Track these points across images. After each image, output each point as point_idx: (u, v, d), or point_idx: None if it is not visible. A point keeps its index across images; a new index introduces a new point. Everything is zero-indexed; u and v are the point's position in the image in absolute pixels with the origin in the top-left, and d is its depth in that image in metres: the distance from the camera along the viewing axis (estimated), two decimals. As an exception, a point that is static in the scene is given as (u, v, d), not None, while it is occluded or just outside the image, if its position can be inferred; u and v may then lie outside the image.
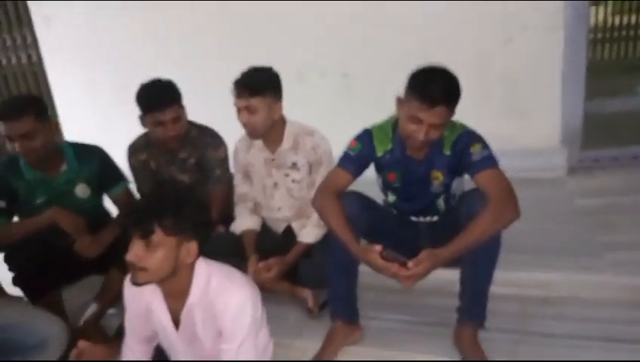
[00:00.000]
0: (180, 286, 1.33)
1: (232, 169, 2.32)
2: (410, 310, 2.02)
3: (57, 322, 1.85)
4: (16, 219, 2.10)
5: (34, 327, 1.77)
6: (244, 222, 2.18)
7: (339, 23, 3.24)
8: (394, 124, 1.78)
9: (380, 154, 1.81)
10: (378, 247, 1.59)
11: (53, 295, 2.05)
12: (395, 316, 2.00)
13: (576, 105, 2.95)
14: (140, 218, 1.24)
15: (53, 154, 2.04)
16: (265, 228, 2.24)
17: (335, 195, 1.75)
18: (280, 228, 2.23)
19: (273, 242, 2.19)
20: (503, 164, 1.67)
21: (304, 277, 2.04)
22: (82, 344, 1.54)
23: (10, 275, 2.00)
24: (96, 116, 4.30)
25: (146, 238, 1.22)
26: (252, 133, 2.02)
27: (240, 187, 2.23)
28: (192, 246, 1.29)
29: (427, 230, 1.92)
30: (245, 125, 1.99)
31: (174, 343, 1.43)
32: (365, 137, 1.81)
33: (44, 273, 1.98)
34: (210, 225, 1.34)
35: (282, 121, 2.08)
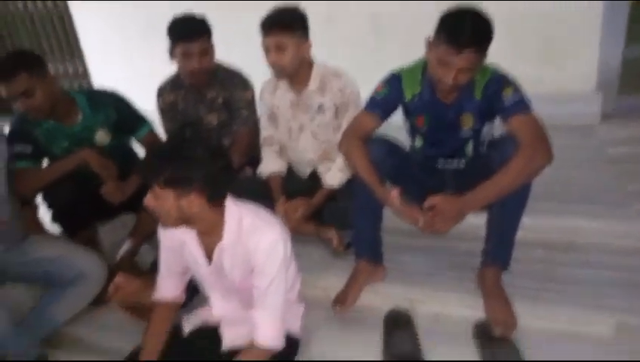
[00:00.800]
0: (210, 227, 1.37)
1: (258, 111, 2.34)
2: (435, 253, 2.05)
3: (95, 257, 1.94)
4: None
5: (73, 261, 1.87)
6: (270, 165, 2.21)
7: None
8: (423, 66, 1.74)
9: (408, 98, 1.78)
10: (395, 192, 1.62)
11: (89, 231, 2.15)
12: (419, 258, 2.03)
13: (615, 49, 2.82)
14: (141, 170, 1.30)
15: (64, 104, 2.05)
16: (291, 172, 2.27)
17: (361, 139, 1.75)
18: (306, 171, 2.25)
19: (299, 185, 2.22)
20: (535, 108, 1.63)
21: (329, 218, 2.09)
22: (119, 278, 1.62)
23: (49, 213, 2.10)
24: (123, 59, 4.31)
25: (150, 188, 1.28)
26: (280, 72, 2.00)
27: (266, 130, 2.24)
28: (193, 198, 1.27)
29: (453, 176, 1.92)
30: (274, 64, 1.97)
31: (206, 277, 1.49)
32: (393, 81, 1.79)
33: (79, 210, 2.06)
34: (223, 177, 1.32)
35: (309, 63, 2.05)
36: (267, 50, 1.95)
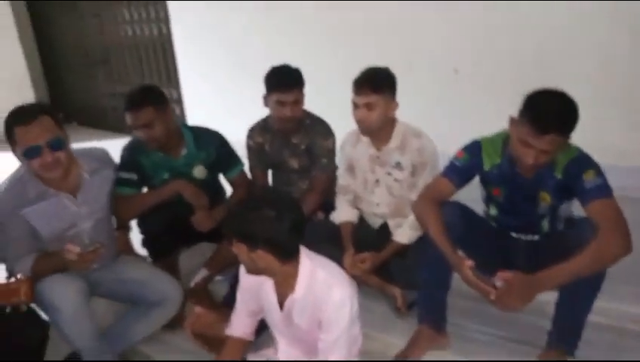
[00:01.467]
0: (283, 279, 1.48)
1: (337, 160, 2.45)
2: (499, 323, 2.01)
3: (175, 283, 2.09)
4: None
5: (157, 285, 2.03)
6: (343, 214, 2.30)
7: (451, 18, 3.20)
8: (505, 138, 1.77)
9: (487, 168, 1.81)
10: (469, 262, 1.63)
11: (172, 257, 2.33)
12: (482, 327, 2.01)
13: None
14: (225, 226, 1.46)
15: (175, 138, 2.24)
16: (362, 222, 2.35)
17: (436, 203, 1.80)
18: (376, 223, 2.32)
19: (368, 236, 2.29)
20: (619, 181, 1.59)
21: (395, 275, 2.12)
22: (199, 309, 1.75)
23: (139, 238, 2.31)
24: (215, 92, 4.63)
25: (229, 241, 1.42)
26: (366, 129, 2.09)
27: (343, 179, 2.34)
28: (261, 254, 1.38)
29: (526, 248, 1.90)
30: (361, 121, 2.06)
31: (277, 322, 1.59)
32: (474, 149, 1.83)
33: (167, 239, 2.25)
34: (293, 236, 1.41)
35: (392, 120, 2.14)
36: (356, 106, 2.05)
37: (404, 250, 2.15)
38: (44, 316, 1.90)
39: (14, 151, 1.80)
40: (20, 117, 1.75)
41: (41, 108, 1.81)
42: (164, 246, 2.28)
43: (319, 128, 2.45)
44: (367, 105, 2.01)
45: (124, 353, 2.10)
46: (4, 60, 5.78)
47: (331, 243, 2.19)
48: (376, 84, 2.01)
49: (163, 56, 5.11)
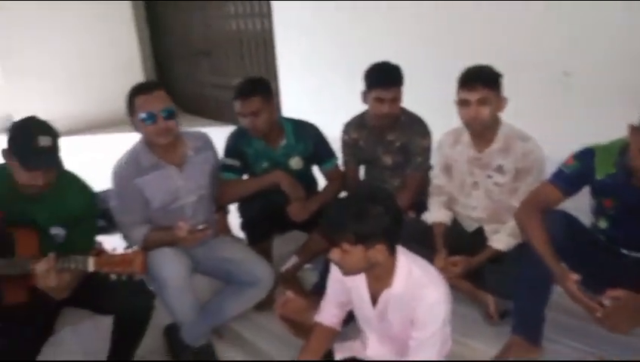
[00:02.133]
0: (380, 274, 1.48)
1: (433, 160, 2.41)
2: (598, 342, 1.89)
3: (268, 266, 2.19)
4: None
5: (251, 267, 2.14)
6: (437, 214, 2.25)
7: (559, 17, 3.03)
8: (622, 147, 1.65)
9: (599, 177, 1.70)
10: (575, 276, 1.55)
11: (266, 242, 2.43)
12: (580, 345, 1.90)
13: None
14: (329, 230, 1.42)
15: (276, 129, 2.35)
16: (455, 224, 2.29)
17: (540, 211, 1.72)
18: (471, 227, 2.25)
19: (461, 239, 2.23)
20: None
21: (489, 282, 2.06)
22: (290, 293, 1.82)
23: (238, 221, 2.43)
24: (311, 87, 4.74)
25: (336, 246, 1.40)
26: (478, 127, 1.99)
27: (438, 179, 2.30)
28: (380, 248, 1.39)
29: (636, 266, 1.77)
30: (473, 119, 1.97)
31: (368, 317, 1.60)
32: (586, 156, 1.72)
33: (264, 225, 2.35)
34: (396, 226, 1.41)
35: (496, 121, 2.06)
36: (466, 103, 1.96)
37: (499, 256, 2.07)
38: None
39: (133, 120, 2.01)
40: (141, 88, 1.99)
41: (157, 84, 2.07)
42: (261, 231, 2.38)
43: (416, 126, 2.43)
44: (479, 101, 1.93)
45: (216, 328, 2.23)
46: (122, 47, 6.31)
47: (422, 243, 2.14)
48: (489, 78, 1.95)
49: (263, 50, 5.29)
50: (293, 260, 2.41)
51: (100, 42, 6.08)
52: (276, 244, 2.56)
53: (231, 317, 2.20)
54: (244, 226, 2.40)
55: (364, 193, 1.47)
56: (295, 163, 2.42)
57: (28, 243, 1.73)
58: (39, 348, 1.79)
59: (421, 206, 2.38)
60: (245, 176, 2.47)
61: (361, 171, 2.66)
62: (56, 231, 1.81)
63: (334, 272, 1.65)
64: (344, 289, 1.64)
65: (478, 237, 2.19)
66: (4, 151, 1.70)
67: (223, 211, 2.55)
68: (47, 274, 1.57)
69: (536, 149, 2.02)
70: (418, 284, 1.45)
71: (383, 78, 2.29)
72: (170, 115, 1.97)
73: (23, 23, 5.54)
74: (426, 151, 2.44)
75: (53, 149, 1.70)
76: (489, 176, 2.11)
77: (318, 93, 4.63)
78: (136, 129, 2.03)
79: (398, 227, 1.43)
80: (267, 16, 5.06)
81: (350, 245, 1.37)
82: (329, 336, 1.72)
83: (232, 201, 2.43)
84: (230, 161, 2.34)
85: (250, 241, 2.40)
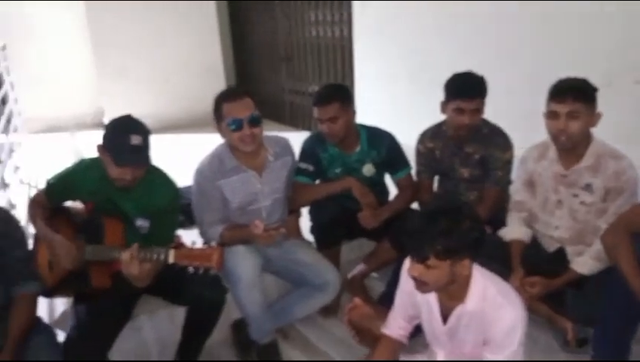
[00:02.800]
0: (455, 290, 1.44)
1: (514, 174, 2.31)
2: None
3: (336, 271, 2.20)
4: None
5: (320, 270, 2.16)
6: (515, 231, 2.16)
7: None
8: None
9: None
10: None
11: (335, 248, 2.43)
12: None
13: None
14: (414, 245, 1.37)
15: (351, 135, 2.35)
16: (534, 243, 2.18)
17: (631, 235, 1.60)
18: (551, 247, 2.13)
19: (541, 259, 2.12)
20: None
21: (570, 308, 1.95)
22: (358, 299, 1.80)
23: (308, 225, 2.45)
24: (387, 96, 4.71)
25: (422, 262, 1.36)
26: (567, 141, 1.89)
27: (519, 194, 2.20)
28: (466, 262, 1.37)
29: None
30: (561, 132, 1.87)
31: (438, 334, 1.56)
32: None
33: (335, 230, 2.36)
34: (482, 239, 1.37)
35: (587, 137, 1.94)
36: (554, 116, 1.87)
37: (581, 280, 1.95)
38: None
39: (219, 125, 2.07)
40: (228, 95, 2.05)
41: (245, 90, 2.10)
42: (331, 236, 2.39)
43: (498, 139, 2.34)
44: (569, 114, 1.84)
45: (282, 328, 2.26)
46: (206, 51, 6.60)
47: (497, 261, 2.06)
48: (580, 91, 1.84)
49: (341, 57, 5.33)
50: (360, 267, 2.40)
51: (186, 44, 6.39)
52: (343, 250, 2.55)
53: (297, 319, 2.23)
54: (315, 230, 2.42)
55: (447, 206, 1.41)
56: (367, 170, 2.41)
57: (115, 233, 1.85)
58: (119, 330, 1.90)
59: (498, 222, 2.28)
60: (318, 181, 2.49)
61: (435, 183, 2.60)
62: (141, 222, 1.92)
63: (403, 284, 1.63)
64: (413, 302, 1.61)
65: (559, 258, 2.08)
66: (99, 146, 1.83)
67: (295, 214, 2.58)
68: (131, 262, 1.66)
69: (629, 169, 1.88)
70: (494, 303, 1.39)
71: (466, 88, 2.22)
72: (256, 122, 2.02)
73: (117, 22, 5.93)
74: (507, 165, 2.34)
75: (144, 147, 1.80)
76: (575, 195, 1.99)
77: (394, 101, 4.59)
78: (222, 134, 2.09)
79: (483, 241, 1.39)
80: (347, 23, 5.09)
81: (438, 260, 1.34)
82: (395, 349, 1.69)
83: (303, 205, 2.46)
84: (304, 165, 2.37)
85: (319, 246, 2.42)
